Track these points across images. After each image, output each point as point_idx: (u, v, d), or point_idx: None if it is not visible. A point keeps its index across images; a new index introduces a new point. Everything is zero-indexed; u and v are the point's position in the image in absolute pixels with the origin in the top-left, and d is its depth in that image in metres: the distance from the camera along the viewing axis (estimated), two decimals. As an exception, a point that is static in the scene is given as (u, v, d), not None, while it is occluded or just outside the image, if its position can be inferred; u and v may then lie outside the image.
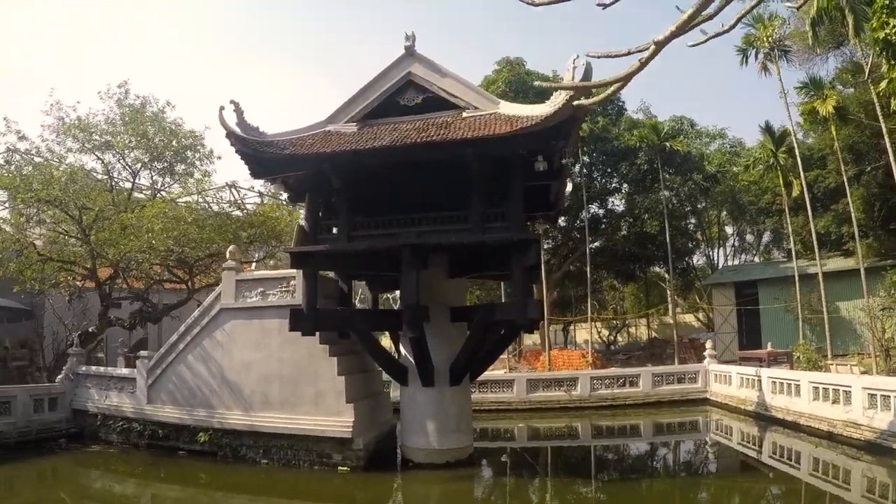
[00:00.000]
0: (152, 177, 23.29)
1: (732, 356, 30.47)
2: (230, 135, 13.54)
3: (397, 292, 29.72)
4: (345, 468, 13.88)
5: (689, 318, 47.21)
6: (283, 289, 15.26)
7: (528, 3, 4.17)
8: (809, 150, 33.68)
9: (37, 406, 17.76)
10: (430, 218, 13.18)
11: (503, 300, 30.49)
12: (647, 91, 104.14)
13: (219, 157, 23.67)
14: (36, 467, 15.79)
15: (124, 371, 18.22)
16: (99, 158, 21.76)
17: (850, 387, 15.57)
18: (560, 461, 17.28)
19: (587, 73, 11.28)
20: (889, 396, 14.14)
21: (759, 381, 19.98)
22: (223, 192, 27.09)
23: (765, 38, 27.78)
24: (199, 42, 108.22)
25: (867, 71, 24.42)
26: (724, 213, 46.64)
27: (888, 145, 22.46)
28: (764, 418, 19.18)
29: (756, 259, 48.21)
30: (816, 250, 27.91)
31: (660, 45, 4.15)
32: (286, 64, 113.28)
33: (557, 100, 11.86)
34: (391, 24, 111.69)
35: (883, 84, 13.24)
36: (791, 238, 31.14)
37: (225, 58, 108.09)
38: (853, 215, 26.03)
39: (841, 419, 15.49)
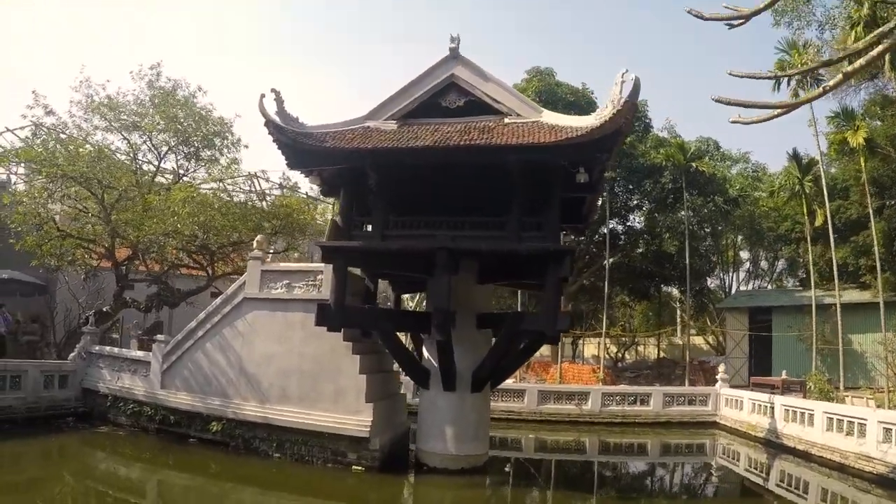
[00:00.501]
0: (177, 160, 23.19)
1: (742, 381, 30.31)
2: (269, 123, 13.36)
3: (411, 294, 29.65)
4: (359, 468, 13.69)
5: (698, 340, 46.96)
6: (310, 282, 15.04)
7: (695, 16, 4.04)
8: (833, 180, 33.50)
9: (47, 382, 17.58)
10: (466, 222, 13.03)
11: (519, 310, 30.31)
12: (671, 110, 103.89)
13: (245, 146, 23.64)
14: (42, 444, 15.62)
15: (139, 353, 18.02)
16: (125, 138, 21.68)
17: (865, 419, 15.49)
18: (573, 475, 17.21)
19: (636, 88, 11.33)
20: (905, 431, 14.06)
21: (772, 408, 19.83)
22: (248, 181, 26.96)
23: (798, 66, 27.58)
24: (199, 41, 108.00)
25: (901, 105, 24.34)
26: (741, 237, 46.40)
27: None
28: (774, 446, 19.06)
29: (768, 286, 48.00)
30: (836, 281, 27.71)
31: (847, 76, 4.08)
32: (286, 64, 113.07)
33: (604, 112, 11.76)
34: (392, 23, 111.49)
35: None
36: (810, 267, 30.88)
37: (225, 57, 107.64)
38: (876, 248, 25.81)
39: (854, 451, 15.40)
